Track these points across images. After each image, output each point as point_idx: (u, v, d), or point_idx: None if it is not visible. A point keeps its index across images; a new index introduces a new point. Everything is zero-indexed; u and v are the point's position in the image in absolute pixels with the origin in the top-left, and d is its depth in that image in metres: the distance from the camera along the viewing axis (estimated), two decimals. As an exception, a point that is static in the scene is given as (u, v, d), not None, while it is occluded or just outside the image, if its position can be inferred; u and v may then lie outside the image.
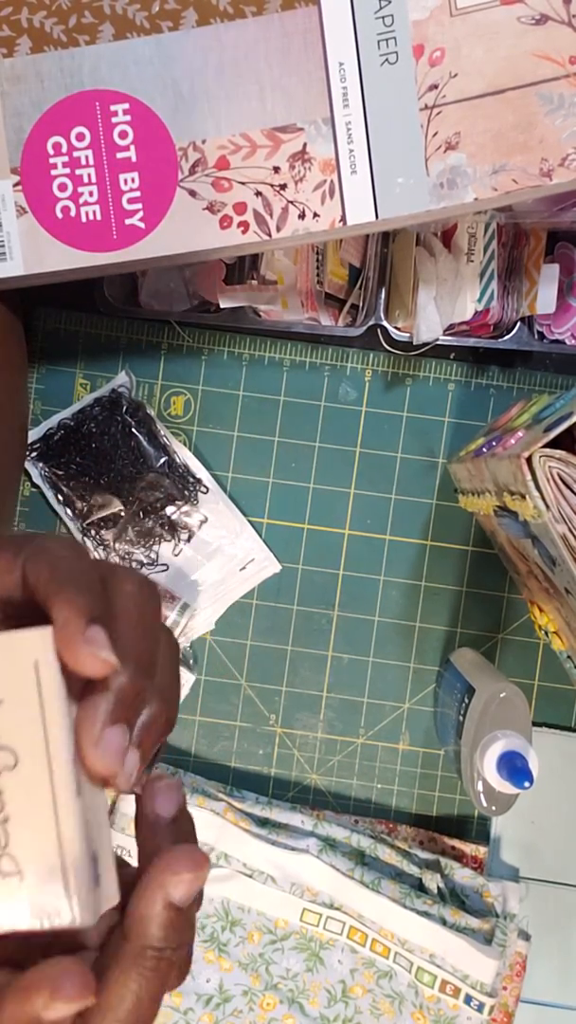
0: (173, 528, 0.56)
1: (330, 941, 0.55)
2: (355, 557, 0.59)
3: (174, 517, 0.56)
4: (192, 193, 0.39)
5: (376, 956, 0.54)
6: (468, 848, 0.57)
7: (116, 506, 0.55)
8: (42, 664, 0.21)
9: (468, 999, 0.52)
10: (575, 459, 0.39)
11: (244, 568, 0.57)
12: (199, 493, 0.56)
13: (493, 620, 0.59)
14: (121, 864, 0.24)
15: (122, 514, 0.55)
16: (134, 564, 0.56)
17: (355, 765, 0.59)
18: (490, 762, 0.47)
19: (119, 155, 0.39)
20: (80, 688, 0.22)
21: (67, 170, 0.39)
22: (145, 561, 0.56)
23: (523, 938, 0.57)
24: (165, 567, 0.56)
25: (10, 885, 0.20)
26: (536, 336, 0.56)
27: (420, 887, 0.55)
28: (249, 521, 0.58)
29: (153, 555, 0.56)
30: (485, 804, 0.49)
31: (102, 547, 0.56)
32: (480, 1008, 0.52)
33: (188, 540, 0.57)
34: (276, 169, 0.39)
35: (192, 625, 0.58)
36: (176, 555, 0.57)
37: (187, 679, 0.58)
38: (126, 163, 0.39)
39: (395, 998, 0.54)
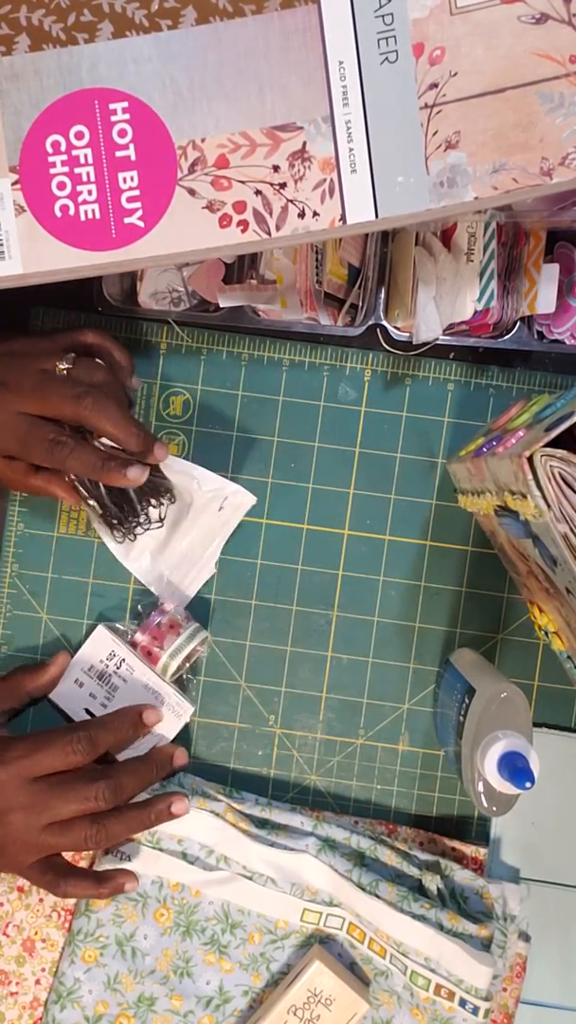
0: (155, 492, 0.53)
1: (330, 936, 0.55)
2: (354, 557, 0.59)
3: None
4: (191, 192, 0.39)
5: (373, 955, 0.54)
6: (468, 849, 0.57)
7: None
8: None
9: (463, 1003, 0.52)
10: (576, 458, 0.39)
11: (222, 508, 0.55)
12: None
13: (493, 620, 0.59)
14: None
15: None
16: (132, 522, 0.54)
17: (354, 766, 0.59)
18: (491, 762, 0.47)
19: (118, 154, 0.39)
20: None
21: (66, 168, 0.39)
22: (142, 521, 0.53)
23: (523, 939, 0.57)
24: (160, 524, 0.54)
25: None
26: (536, 336, 0.56)
27: (420, 889, 0.55)
28: (248, 521, 0.58)
29: (146, 519, 0.53)
30: (486, 805, 0.48)
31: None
32: (475, 1011, 0.52)
33: (172, 501, 0.54)
34: (276, 168, 0.39)
35: (200, 649, 0.57)
36: (162, 518, 0.54)
37: (187, 711, 0.57)
38: (125, 161, 0.39)
39: (392, 994, 0.54)
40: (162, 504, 0.53)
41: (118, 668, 0.56)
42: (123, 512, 0.52)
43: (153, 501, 0.53)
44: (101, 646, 0.56)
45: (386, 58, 0.38)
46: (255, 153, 0.39)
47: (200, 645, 0.57)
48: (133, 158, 0.39)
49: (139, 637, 0.56)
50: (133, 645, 0.56)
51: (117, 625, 0.58)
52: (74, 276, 0.40)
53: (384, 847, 0.55)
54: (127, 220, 0.40)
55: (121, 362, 0.52)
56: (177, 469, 0.53)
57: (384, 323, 0.56)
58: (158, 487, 0.53)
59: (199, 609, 0.58)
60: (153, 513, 0.53)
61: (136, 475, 0.48)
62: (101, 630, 0.56)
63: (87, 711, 0.56)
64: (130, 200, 0.39)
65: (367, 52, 0.38)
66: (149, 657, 0.56)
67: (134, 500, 0.52)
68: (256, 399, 0.58)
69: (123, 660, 0.56)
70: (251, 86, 0.39)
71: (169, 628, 0.56)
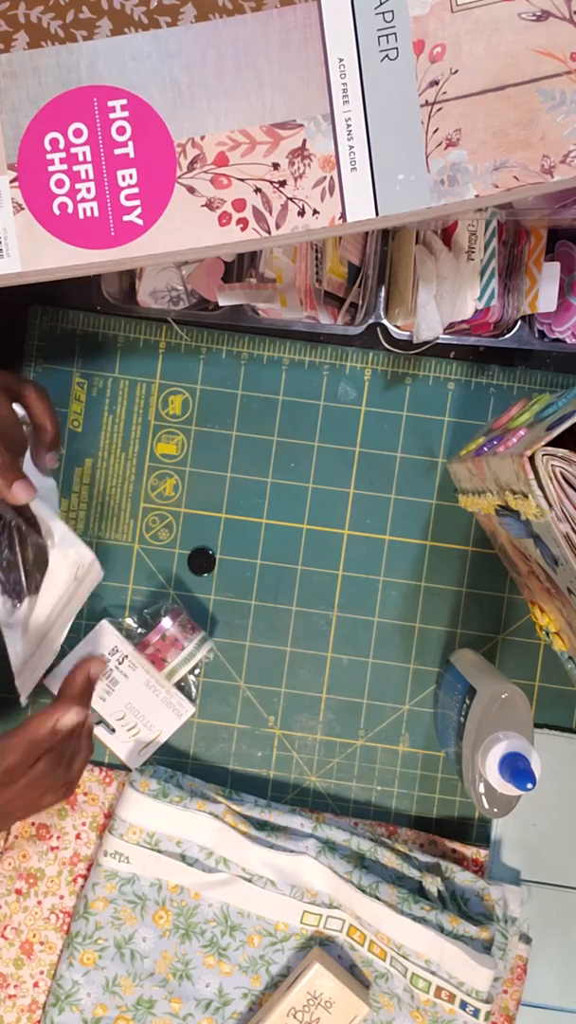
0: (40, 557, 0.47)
1: (330, 938, 0.54)
2: (355, 557, 0.58)
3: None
4: (191, 190, 0.39)
5: (373, 957, 0.54)
6: (469, 851, 0.57)
7: None
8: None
9: (464, 1005, 0.52)
10: (577, 458, 0.39)
11: (76, 577, 0.46)
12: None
13: (493, 621, 0.59)
14: None
15: None
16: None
17: (354, 767, 0.58)
18: (492, 763, 0.47)
19: (117, 151, 0.39)
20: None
21: (64, 166, 0.39)
22: (25, 586, 0.48)
23: (524, 941, 0.57)
24: (35, 592, 0.48)
25: None
26: (537, 335, 0.56)
27: (420, 891, 0.55)
28: (248, 521, 0.58)
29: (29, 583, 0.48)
30: (487, 806, 0.48)
31: None
32: (475, 1014, 0.52)
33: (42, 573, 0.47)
34: (275, 166, 0.39)
35: (207, 656, 0.57)
36: (38, 587, 0.47)
37: (187, 710, 0.57)
38: (124, 159, 0.39)
39: (392, 996, 0.54)
40: (39, 575, 0.47)
41: (120, 664, 0.56)
42: (10, 573, 0.47)
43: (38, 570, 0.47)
44: (104, 641, 0.56)
45: (386, 55, 0.38)
46: (255, 151, 0.39)
47: (208, 653, 0.57)
48: (132, 156, 0.39)
49: (148, 641, 0.56)
50: (143, 648, 0.56)
51: (121, 622, 0.57)
52: (73, 274, 0.40)
53: (384, 849, 0.55)
54: (126, 218, 0.39)
55: (45, 426, 0.47)
56: (35, 513, 0.46)
57: (384, 322, 0.55)
58: (43, 554, 0.46)
59: (199, 609, 0.58)
60: (33, 580, 0.47)
61: None
62: (105, 625, 0.56)
63: None
64: (129, 198, 0.39)
65: (367, 49, 0.38)
66: (156, 663, 0.56)
67: (20, 564, 0.47)
68: (256, 398, 0.58)
69: (126, 656, 0.56)
70: (251, 83, 0.38)
71: (179, 636, 0.56)
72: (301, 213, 0.39)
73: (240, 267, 0.57)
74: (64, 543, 0.45)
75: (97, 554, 0.58)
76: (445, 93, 0.38)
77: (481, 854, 0.57)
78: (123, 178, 0.39)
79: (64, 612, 0.47)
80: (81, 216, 0.39)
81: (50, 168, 0.39)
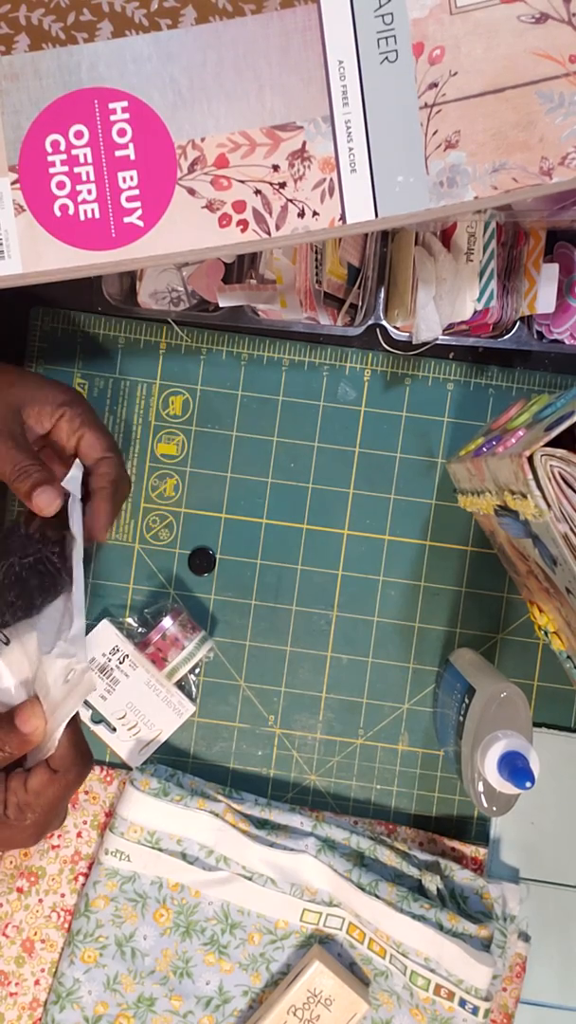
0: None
1: (330, 936, 0.55)
2: (354, 557, 0.59)
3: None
4: (191, 191, 0.39)
5: (373, 955, 0.54)
6: (468, 849, 0.57)
7: None
8: None
9: (463, 1003, 0.52)
10: (576, 458, 0.39)
11: (68, 680, 0.42)
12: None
13: (492, 620, 0.59)
14: None
15: None
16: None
17: (354, 766, 0.59)
18: (491, 762, 0.47)
19: (118, 153, 0.39)
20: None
21: (65, 168, 0.39)
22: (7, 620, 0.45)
23: (523, 939, 0.57)
24: (5, 642, 0.45)
25: None
26: (535, 336, 0.56)
27: (419, 889, 0.55)
28: (248, 521, 0.58)
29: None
30: (486, 805, 0.48)
31: None
32: (475, 1011, 0.52)
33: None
34: (275, 167, 0.39)
35: (206, 655, 0.57)
36: (5, 632, 0.44)
37: (187, 709, 0.57)
38: (124, 161, 0.39)
39: (392, 994, 0.54)
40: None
41: (120, 663, 0.56)
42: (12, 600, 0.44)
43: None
44: (104, 640, 0.56)
45: (386, 58, 0.38)
46: (255, 153, 0.39)
47: (208, 652, 0.57)
48: (133, 157, 0.39)
49: (149, 640, 0.56)
50: (143, 647, 0.56)
51: (122, 621, 0.58)
52: (73, 276, 0.40)
53: (384, 847, 0.55)
54: (127, 220, 0.39)
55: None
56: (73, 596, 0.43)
57: (384, 323, 0.55)
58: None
59: (199, 609, 0.59)
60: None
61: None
62: (106, 624, 0.56)
63: (85, 702, 0.56)
64: (129, 200, 0.39)
65: (367, 52, 0.38)
66: (157, 663, 0.56)
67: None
68: (256, 399, 0.58)
69: (126, 656, 0.56)
70: (251, 86, 0.39)
71: (179, 635, 0.56)
72: (301, 214, 0.39)
73: (240, 268, 0.57)
74: (71, 641, 0.42)
75: (98, 554, 0.58)
76: (444, 95, 0.38)
77: (480, 852, 0.57)
78: (124, 180, 0.39)
79: (56, 714, 0.43)
80: (82, 218, 0.39)
81: (51, 170, 0.39)
